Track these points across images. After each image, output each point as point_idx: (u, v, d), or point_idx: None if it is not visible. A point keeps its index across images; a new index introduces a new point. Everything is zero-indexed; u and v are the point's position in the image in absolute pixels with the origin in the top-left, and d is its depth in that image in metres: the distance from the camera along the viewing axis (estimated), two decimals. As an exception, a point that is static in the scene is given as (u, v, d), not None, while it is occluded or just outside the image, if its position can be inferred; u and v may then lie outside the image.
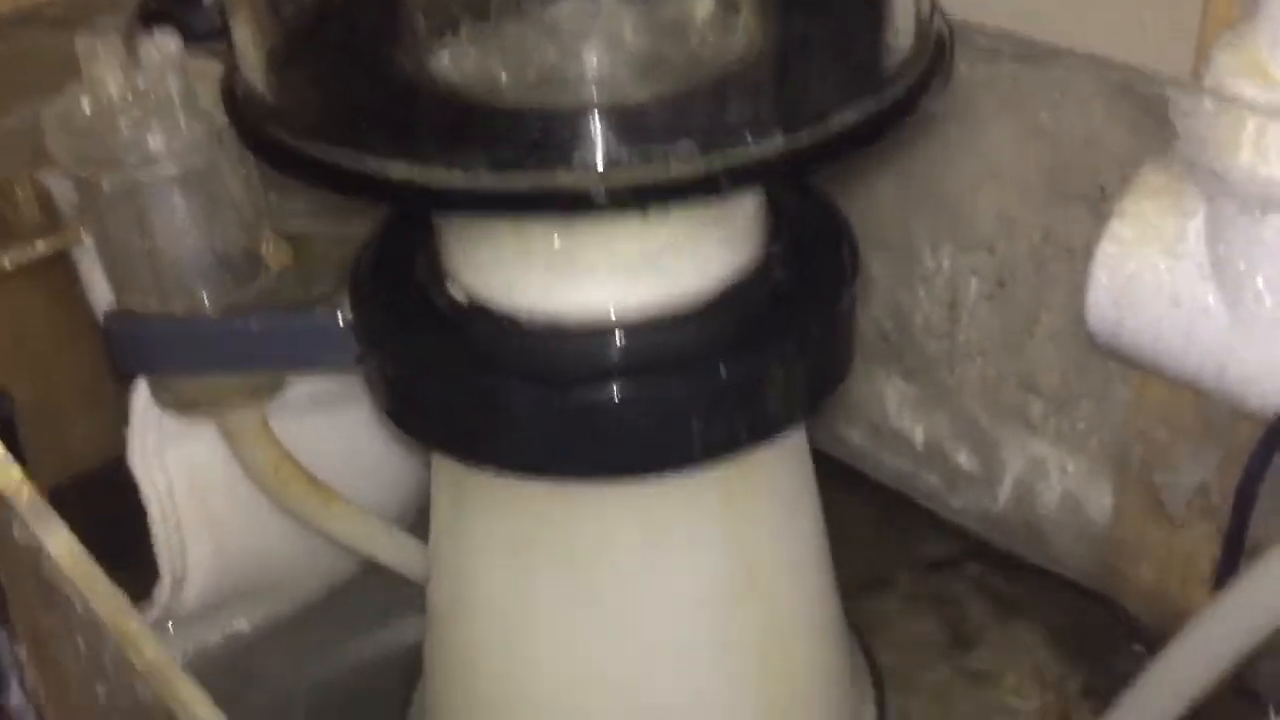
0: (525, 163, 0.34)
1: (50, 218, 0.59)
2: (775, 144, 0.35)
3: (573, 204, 0.35)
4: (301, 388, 0.59)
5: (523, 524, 0.47)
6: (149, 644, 0.36)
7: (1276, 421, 0.52)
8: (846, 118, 0.36)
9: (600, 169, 0.34)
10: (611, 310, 0.42)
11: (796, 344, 0.43)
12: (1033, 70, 0.59)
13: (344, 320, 0.46)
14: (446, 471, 0.49)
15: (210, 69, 0.47)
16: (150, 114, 0.45)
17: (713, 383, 0.41)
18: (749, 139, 0.35)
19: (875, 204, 0.68)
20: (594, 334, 0.42)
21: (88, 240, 0.58)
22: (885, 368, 0.73)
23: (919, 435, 0.73)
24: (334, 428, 0.63)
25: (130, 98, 0.45)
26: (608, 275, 0.41)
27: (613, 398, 0.41)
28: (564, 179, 0.34)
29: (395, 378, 0.45)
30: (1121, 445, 0.64)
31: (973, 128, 0.63)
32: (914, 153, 0.66)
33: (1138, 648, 0.66)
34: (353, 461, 0.65)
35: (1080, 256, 0.60)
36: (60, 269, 0.63)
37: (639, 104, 0.36)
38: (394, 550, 0.60)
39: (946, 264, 0.67)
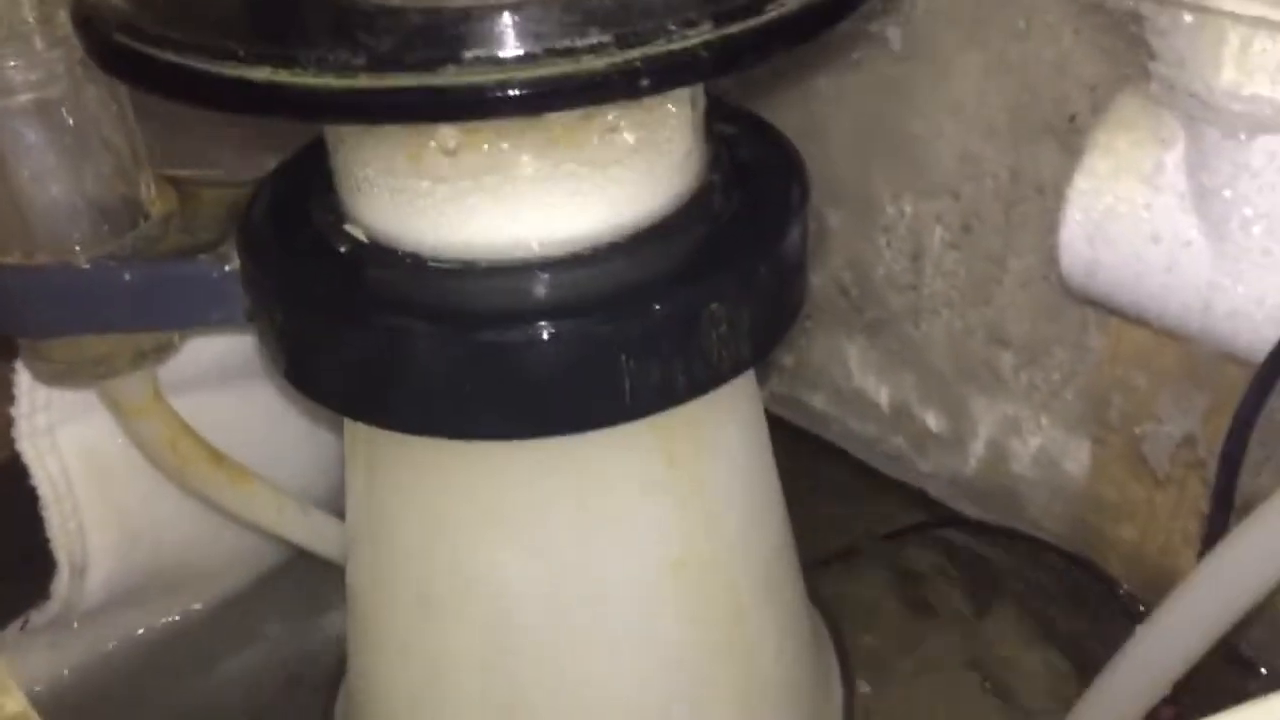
0: (407, 60, 0.29)
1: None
2: (703, 36, 0.30)
3: (466, 106, 0.30)
4: (208, 358, 0.54)
5: (442, 490, 0.42)
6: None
7: (1267, 363, 0.47)
8: (784, 7, 0.31)
9: (498, 63, 0.29)
10: (528, 244, 0.37)
11: (738, 280, 0.38)
12: (994, -6, 0.55)
13: (232, 270, 0.41)
14: (358, 436, 0.44)
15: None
16: (1, 40, 0.39)
17: (644, 322, 0.37)
18: (673, 29, 0.30)
19: (831, 154, 0.63)
20: (508, 271, 0.37)
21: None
22: (846, 326, 0.68)
23: (884, 397, 0.69)
24: (247, 403, 0.58)
25: (-20, 23, 0.40)
26: (521, 203, 0.37)
27: (531, 339, 0.36)
28: (454, 77, 0.29)
29: (289, 331, 0.40)
30: (1099, 396, 0.59)
31: (933, 65, 0.58)
32: (871, 96, 0.61)
33: (1120, 614, 0.62)
34: (271, 440, 0.60)
35: (1051, 195, 0.56)
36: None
37: (544, -2, 0.31)
38: (312, 531, 0.55)
39: (909, 211, 0.63)
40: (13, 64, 0.39)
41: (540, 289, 0.37)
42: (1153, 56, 0.49)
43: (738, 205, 0.41)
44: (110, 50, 0.33)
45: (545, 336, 0.36)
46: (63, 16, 0.40)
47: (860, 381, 0.70)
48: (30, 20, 0.39)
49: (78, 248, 0.42)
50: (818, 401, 0.72)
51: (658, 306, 0.37)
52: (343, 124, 0.35)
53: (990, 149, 0.58)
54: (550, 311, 0.37)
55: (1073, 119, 0.54)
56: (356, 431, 0.44)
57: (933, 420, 0.67)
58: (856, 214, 0.64)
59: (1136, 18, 0.50)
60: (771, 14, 0.31)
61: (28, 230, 0.42)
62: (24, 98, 0.39)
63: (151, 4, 0.33)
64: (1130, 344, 0.57)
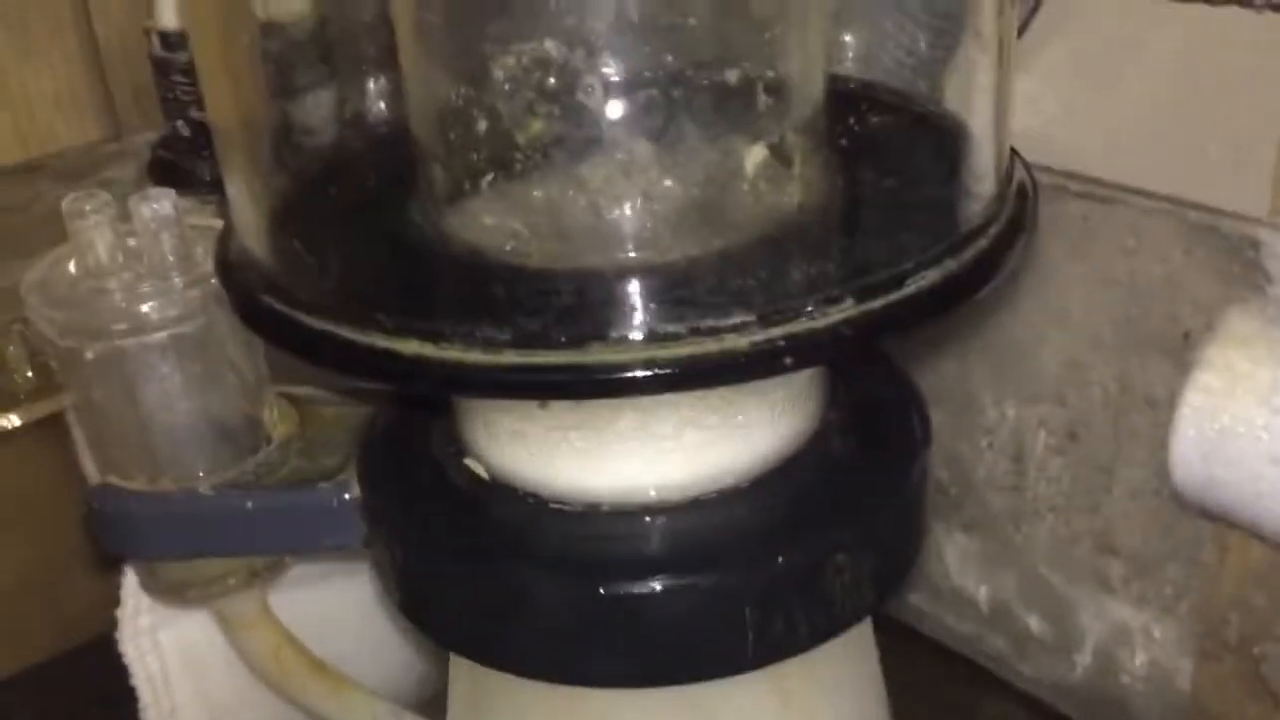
0: (555, 338, 0.30)
1: (46, 376, 0.55)
2: (845, 313, 0.30)
3: (612, 387, 0.30)
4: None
5: (551, 730, 0.41)
6: None
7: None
8: (925, 280, 0.31)
9: (642, 344, 0.30)
10: (650, 489, 0.37)
11: (862, 527, 0.38)
12: (1103, 211, 0.55)
13: (351, 498, 0.42)
14: (465, 669, 0.44)
15: (208, 226, 0.43)
16: (142, 277, 0.41)
17: (768, 574, 0.36)
18: (814, 308, 0.30)
19: (930, 355, 0.63)
20: (630, 516, 0.37)
21: (76, 403, 0.54)
22: (945, 523, 0.67)
23: (984, 595, 0.67)
24: (340, 599, 0.58)
25: (121, 259, 0.41)
26: (646, 451, 0.36)
27: (654, 592, 0.36)
28: (599, 355, 0.30)
29: (406, 564, 0.40)
30: (1215, 613, 0.57)
31: (1037, 273, 0.58)
32: (975, 304, 0.61)
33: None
34: (362, 636, 0.60)
35: (1163, 408, 0.55)
36: (61, 428, 0.59)
37: (685, 268, 0.32)
38: (409, 740, 0.54)
39: (1011, 415, 0.62)
40: (151, 303, 0.40)
41: (663, 537, 0.37)
42: (1270, 280, 0.48)
43: (857, 445, 0.40)
44: (255, 309, 0.34)
45: (669, 589, 0.36)
46: (200, 253, 0.42)
47: (959, 580, 0.68)
48: (171, 258, 0.40)
49: (200, 473, 0.43)
50: (914, 598, 0.70)
51: (781, 558, 0.36)
52: (487, 399, 0.35)
53: (1098, 359, 0.57)
54: (674, 564, 0.36)
55: (1187, 336, 0.54)
56: (463, 663, 0.44)
57: (1035, 624, 0.65)
58: (956, 414, 0.64)
59: (1253, 243, 0.50)
60: (911, 289, 0.31)
61: (153, 456, 0.42)
62: (160, 335, 0.40)
63: (297, 267, 0.34)
64: (1249, 561, 0.56)
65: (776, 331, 0.30)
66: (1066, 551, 0.62)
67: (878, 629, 0.47)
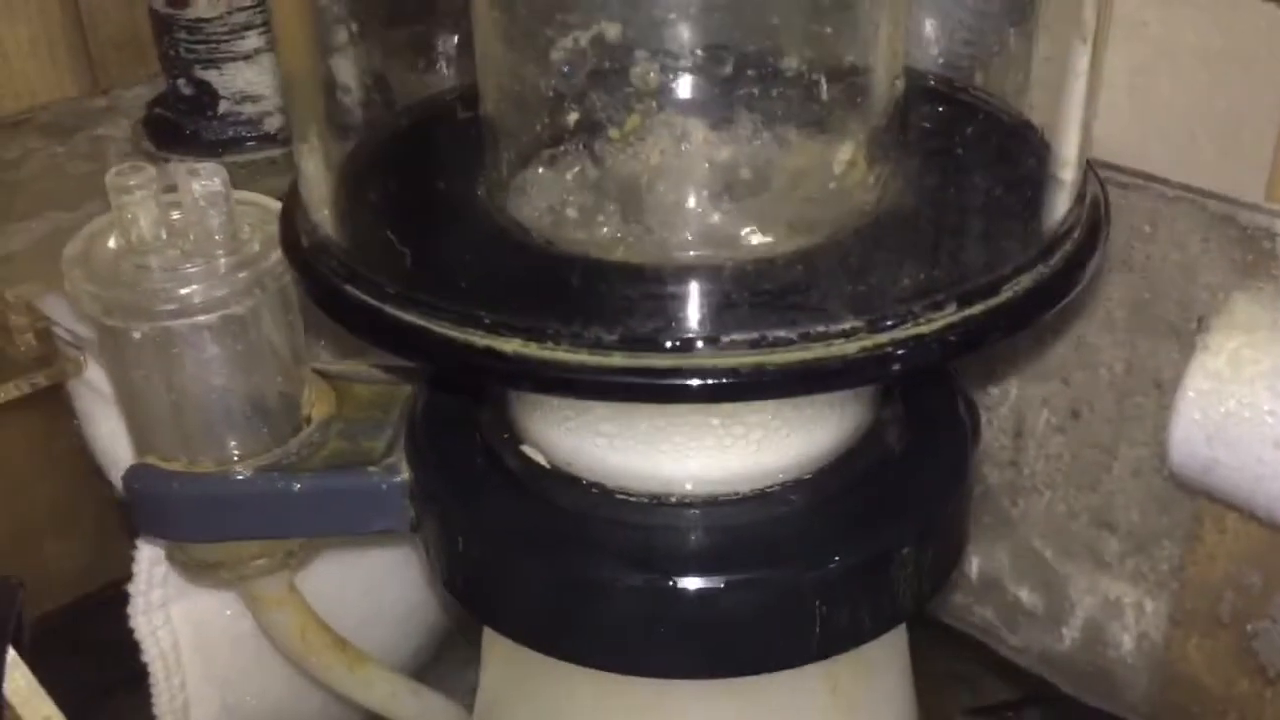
0: (663, 342, 0.29)
1: (46, 346, 0.53)
2: (948, 318, 0.30)
3: (721, 391, 0.30)
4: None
5: (600, 716, 0.41)
6: None
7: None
8: (1019, 286, 0.32)
9: (753, 346, 0.29)
10: (716, 480, 0.37)
11: (925, 522, 0.38)
12: (1123, 196, 0.55)
13: (400, 481, 0.41)
14: (502, 650, 0.43)
15: (253, 201, 0.42)
16: (187, 255, 0.39)
17: (839, 569, 0.36)
18: (920, 314, 0.30)
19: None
20: (698, 507, 0.37)
21: (88, 374, 0.52)
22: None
23: (975, 568, 0.69)
24: (349, 570, 0.57)
25: (164, 235, 0.40)
26: (716, 442, 0.36)
27: (724, 586, 0.36)
28: (708, 359, 0.29)
29: (464, 551, 0.39)
30: (1210, 591, 0.59)
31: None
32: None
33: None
34: (366, 607, 0.59)
35: (1169, 390, 0.56)
36: (45, 398, 0.57)
37: (788, 272, 0.31)
38: (425, 713, 0.54)
39: (1014, 393, 0.63)
40: (198, 285, 0.39)
41: (732, 530, 0.37)
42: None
43: (910, 441, 0.40)
44: (338, 301, 0.33)
45: (739, 583, 0.36)
46: (247, 230, 0.40)
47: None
48: (217, 236, 0.39)
49: (237, 454, 0.42)
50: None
51: (853, 553, 0.36)
52: (591, 400, 0.35)
53: (1106, 341, 0.58)
54: (744, 558, 0.36)
55: (1200, 322, 0.55)
56: (498, 646, 0.43)
57: (1026, 596, 0.67)
58: (958, 390, 0.65)
59: (1270, 234, 0.51)
60: (1008, 294, 0.31)
61: (192, 436, 0.41)
62: (203, 317, 0.39)
63: (382, 256, 0.33)
64: (1246, 540, 0.57)
65: (884, 337, 0.30)
66: (1063, 527, 0.64)
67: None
